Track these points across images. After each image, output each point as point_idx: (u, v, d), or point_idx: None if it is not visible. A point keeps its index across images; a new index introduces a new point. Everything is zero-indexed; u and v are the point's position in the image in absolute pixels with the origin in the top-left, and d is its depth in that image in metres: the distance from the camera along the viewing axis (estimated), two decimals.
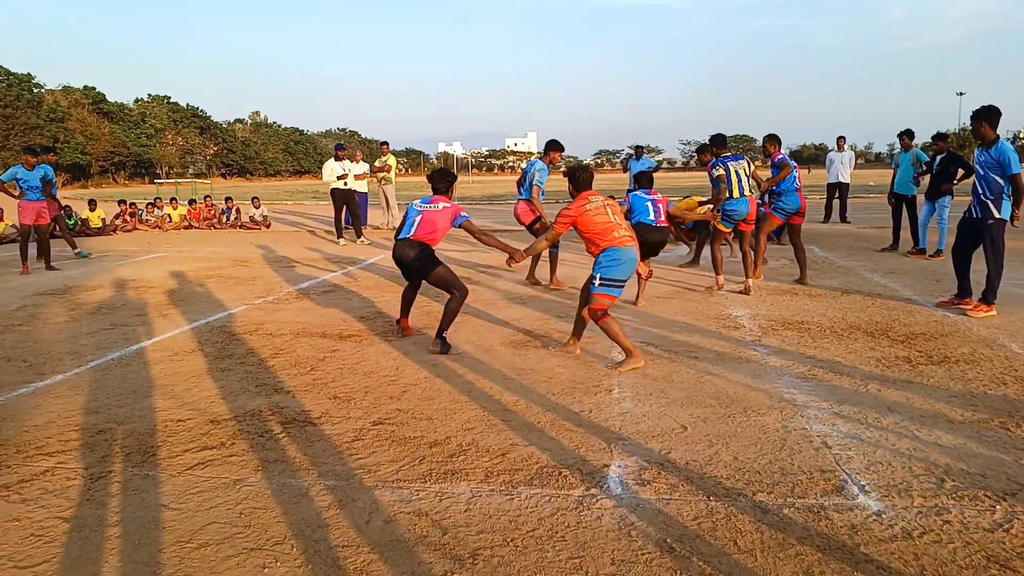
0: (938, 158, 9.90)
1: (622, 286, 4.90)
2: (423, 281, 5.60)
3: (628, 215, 6.75)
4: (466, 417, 3.98)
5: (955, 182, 9.79)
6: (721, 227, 7.51)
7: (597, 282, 4.86)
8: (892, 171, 10.96)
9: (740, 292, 7.33)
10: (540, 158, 8.27)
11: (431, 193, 5.66)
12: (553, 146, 8.25)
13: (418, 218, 5.41)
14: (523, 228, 8.07)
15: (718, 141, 7.63)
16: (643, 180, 7.37)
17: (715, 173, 7.35)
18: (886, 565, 2.49)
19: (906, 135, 10.70)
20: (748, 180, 7.39)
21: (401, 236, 5.44)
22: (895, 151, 11.01)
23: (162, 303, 7.43)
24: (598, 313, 4.84)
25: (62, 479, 3.26)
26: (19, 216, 10.02)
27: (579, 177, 5.17)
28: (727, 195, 7.29)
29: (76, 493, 3.12)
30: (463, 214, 5.46)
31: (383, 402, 4.26)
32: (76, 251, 11.86)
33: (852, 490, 3.04)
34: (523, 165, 9.55)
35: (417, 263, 5.35)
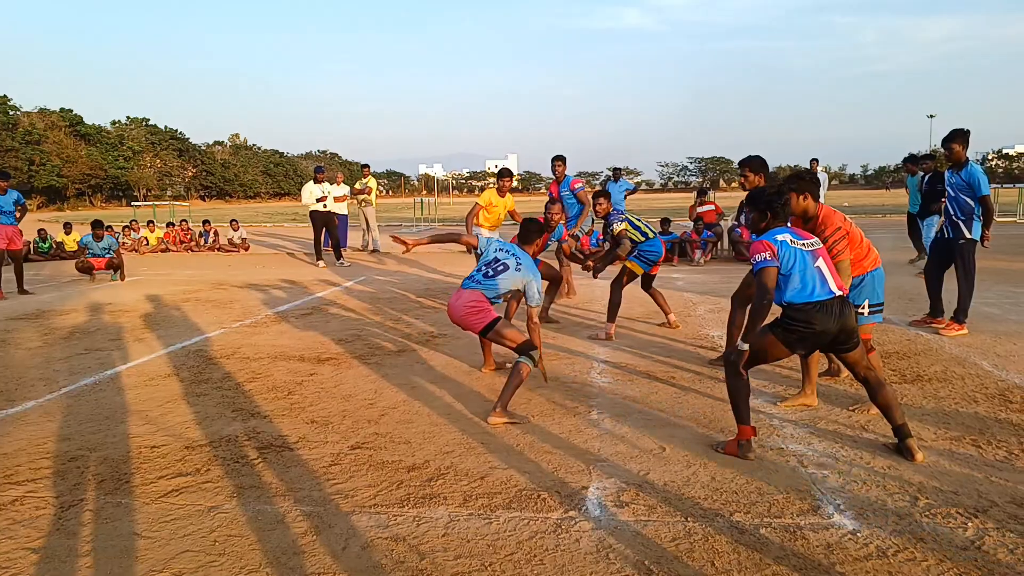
0: (926, 177, 10.15)
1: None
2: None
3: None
4: (445, 440, 3.97)
5: (942, 200, 9.98)
6: (635, 266, 6.64)
7: (867, 310, 4.47)
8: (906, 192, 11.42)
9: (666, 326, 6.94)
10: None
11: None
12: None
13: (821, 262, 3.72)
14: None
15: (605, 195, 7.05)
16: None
17: (618, 227, 6.59)
18: None
19: (913, 161, 11.01)
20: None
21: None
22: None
23: (137, 327, 7.34)
24: (869, 344, 4.29)
25: (31, 508, 3.20)
26: None
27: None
28: (641, 239, 6.58)
29: (46, 523, 3.06)
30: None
31: (361, 426, 4.23)
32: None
33: (827, 509, 3.06)
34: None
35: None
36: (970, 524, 2.91)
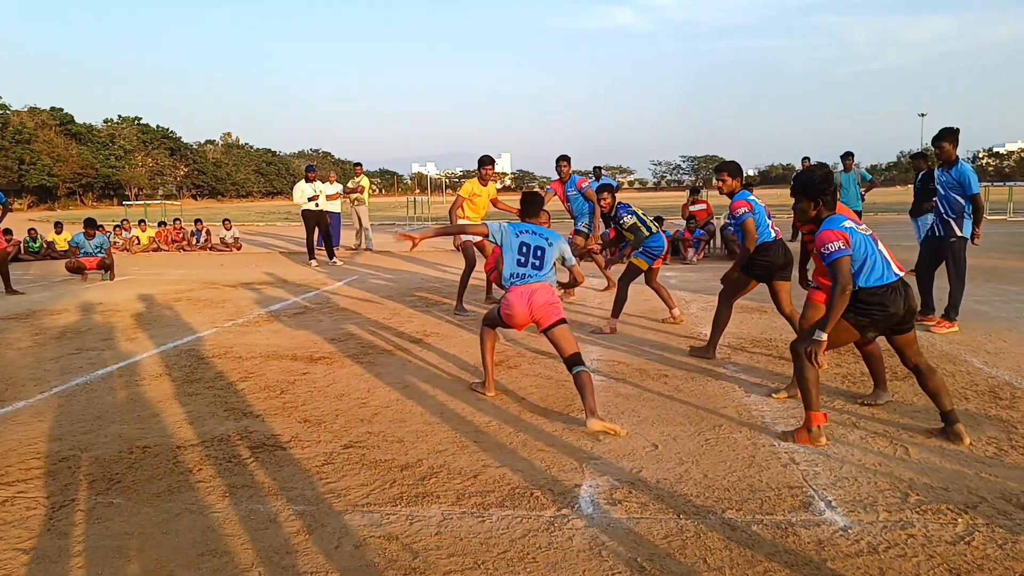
0: (920, 176, 10.22)
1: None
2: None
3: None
4: (438, 439, 3.97)
5: (935, 199, 10.12)
6: (640, 262, 6.84)
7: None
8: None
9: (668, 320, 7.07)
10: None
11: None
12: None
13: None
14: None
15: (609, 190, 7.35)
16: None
17: (627, 220, 6.90)
18: None
19: (848, 157, 11.16)
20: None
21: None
22: (838, 171, 11.33)
23: (129, 327, 7.31)
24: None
25: (22, 509, 3.18)
26: None
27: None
28: (647, 233, 6.84)
29: (37, 523, 3.05)
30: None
31: (354, 425, 4.23)
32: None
33: (819, 506, 3.08)
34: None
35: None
36: (960, 520, 2.93)
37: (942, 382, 3.82)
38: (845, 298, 3.58)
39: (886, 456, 3.60)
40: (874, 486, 3.26)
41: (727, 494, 3.21)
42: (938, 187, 6.52)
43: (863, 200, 11.34)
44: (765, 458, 3.60)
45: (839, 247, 3.60)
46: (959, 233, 6.34)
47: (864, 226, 3.85)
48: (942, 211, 6.43)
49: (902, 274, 3.74)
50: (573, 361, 4.24)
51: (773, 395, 4.57)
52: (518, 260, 4.49)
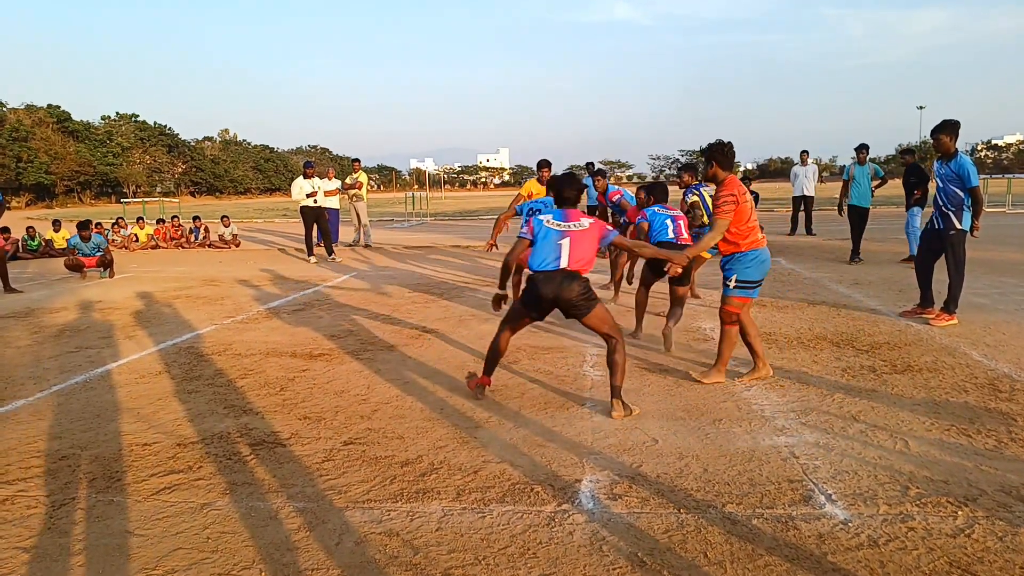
0: (905, 170, 10.34)
1: (756, 287, 4.67)
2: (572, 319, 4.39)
3: (648, 233, 6.10)
4: (438, 435, 3.97)
5: (916, 193, 10.23)
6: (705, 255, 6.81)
7: (732, 284, 4.64)
8: (842, 184, 11.20)
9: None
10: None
11: (557, 206, 4.46)
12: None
13: (565, 241, 4.22)
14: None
15: (692, 168, 7.61)
16: (658, 193, 6.44)
17: (690, 199, 7.25)
18: (853, 573, 2.52)
19: (862, 149, 10.96)
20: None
21: (546, 265, 4.20)
22: (852, 163, 11.21)
23: (128, 324, 7.30)
24: (733, 316, 4.67)
25: (23, 507, 3.18)
26: None
27: (728, 152, 4.60)
28: (703, 222, 7.13)
29: (38, 522, 3.05)
30: (611, 229, 4.41)
31: (354, 422, 4.23)
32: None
33: (819, 499, 3.08)
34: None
35: (581, 300, 4.17)
36: (960, 513, 2.93)
37: (624, 362, 4.21)
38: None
39: (886, 449, 3.60)
40: (874, 479, 3.26)
41: (727, 488, 3.21)
42: (937, 180, 6.51)
43: (873, 195, 11.05)
44: (765, 452, 3.61)
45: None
46: (958, 226, 6.34)
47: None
48: (941, 204, 6.42)
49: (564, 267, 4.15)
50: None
51: (736, 380, 4.79)
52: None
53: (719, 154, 4.64)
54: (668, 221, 6.05)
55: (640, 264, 6.89)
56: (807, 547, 2.70)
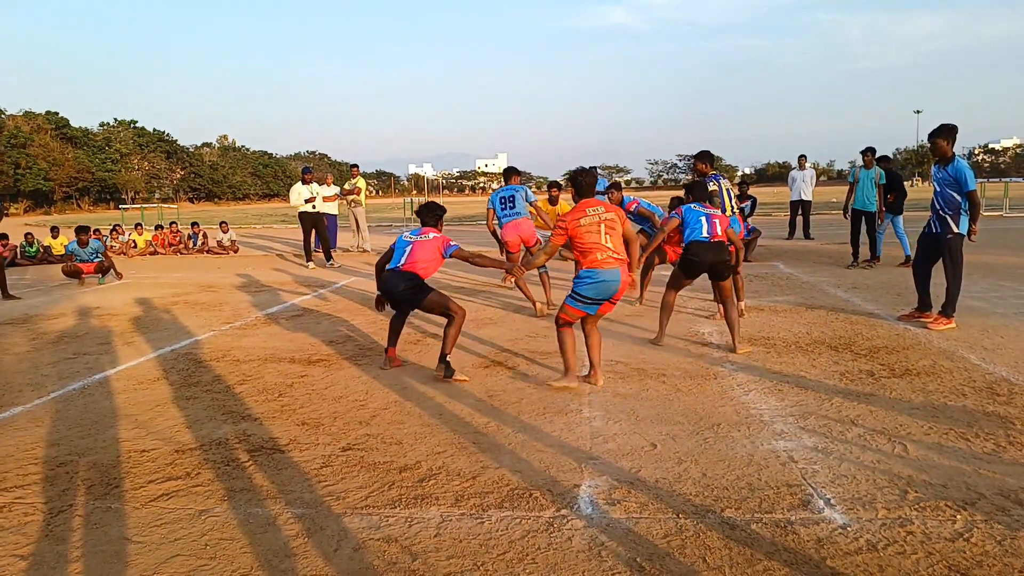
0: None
1: (590, 304, 4.78)
2: (413, 309, 5.55)
3: (681, 230, 6.06)
4: (436, 441, 3.96)
5: (889, 197, 10.54)
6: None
7: (570, 293, 4.87)
8: (848, 186, 11.15)
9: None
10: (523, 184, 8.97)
11: (419, 225, 5.63)
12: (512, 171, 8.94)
13: (408, 248, 5.38)
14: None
15: (707, 157, 7.32)
16: (697, 192, 6.25)
17: (710, 187, 6.87)
18: None
19: (869, 152, 10.90)
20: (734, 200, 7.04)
21: (391, 267, 5.40)
22: (857, 166, 11.19)
23: (126, 331, 7.30)
24: (560, 320, 4.89)
25: (20, 515, 3.17)
26: None
27: (582, 182, 4.92)
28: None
29: (35, 529, 3.04)
30: (453, 243, 5.42)
31: (352, 427, 4.22)
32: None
33: (818, 504, 3.08)
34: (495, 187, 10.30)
35: (408, 293, 5.26)
36: (958, 516, 2.93)
37: (453, 334, 5.16)
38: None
39: (884, 453, 3.60)
40: (873, 483, 3.26)
41: (726, 493, 3.21)
42: (934, 184, 6.54)
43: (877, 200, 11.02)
44: (764, 457, 3.61)
45: None
46: (956, 230, 6.35)
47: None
48: (938, 208, 6.44)
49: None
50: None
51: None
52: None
53: (573, 181, 5.01)
54: (703, 219, 5.93)
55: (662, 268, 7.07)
56: (806, 552, 2.69)
